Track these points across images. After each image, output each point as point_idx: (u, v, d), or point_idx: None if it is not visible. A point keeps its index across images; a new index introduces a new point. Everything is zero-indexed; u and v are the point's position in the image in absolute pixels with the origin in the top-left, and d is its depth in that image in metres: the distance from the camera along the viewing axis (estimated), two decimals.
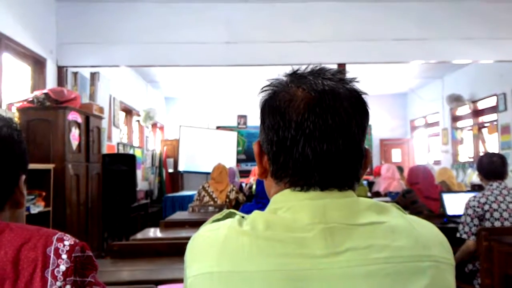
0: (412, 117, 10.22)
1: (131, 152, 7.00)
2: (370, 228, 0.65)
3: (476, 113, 7.52)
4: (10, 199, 0.88)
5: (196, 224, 3.44)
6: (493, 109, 6.91)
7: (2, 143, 0.86)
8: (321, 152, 0.67)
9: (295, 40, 4.99)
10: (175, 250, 2.31)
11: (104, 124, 5.39)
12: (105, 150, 5.58)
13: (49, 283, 0.75)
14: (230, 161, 8.57)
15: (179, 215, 4.21)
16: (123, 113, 7.39)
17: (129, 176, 5.43)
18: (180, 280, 1.72)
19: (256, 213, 0.71)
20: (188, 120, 9.68)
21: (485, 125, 7.31)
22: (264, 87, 0.77)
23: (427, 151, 9.58)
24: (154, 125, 9.10)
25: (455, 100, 7.38)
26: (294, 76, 0.75)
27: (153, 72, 7.77)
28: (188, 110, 10.04)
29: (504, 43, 5.11)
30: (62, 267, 0.78)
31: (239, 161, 9.62)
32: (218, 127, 9.92)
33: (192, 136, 8.98)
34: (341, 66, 4.91)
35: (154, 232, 3.22)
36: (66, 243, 0.81)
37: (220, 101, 9.99)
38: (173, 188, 9.03)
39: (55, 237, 0.81)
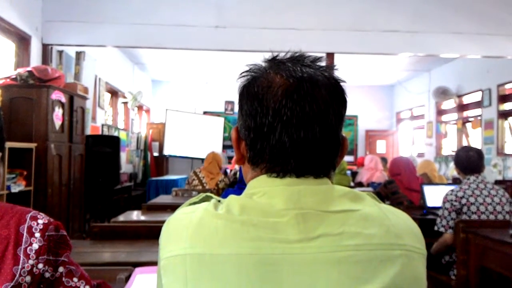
0: (398, 109, 10.30)
1: (115, 134, 6.93)
2: (343, 215, 0.65)
3: (461, 107, 7.61)
4: None
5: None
6: (478, 104, 7.00)
7: None
8: (298, 139, 0.67)
9: (285, 27, 4.97)
10: (155, 233, 2.31)
11: (89, 104, 5.32)
12: (89, 131, 5.52)
13: (21, 261, 0.75)
14: (216, 147, 8.56)
15: (162, 199, 4.20)
16: (109, 95, 7.30)
17: (112, 158, 5.38)
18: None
19: (231, 197, 0.71)
20: (175, 104, 9.61)
21: (469, 119, 7.41)
22: (243, 72, 0.76)
23: (412, 144, 9.69)
24: (140, 108, 9.02)
25: (442, 93, 7.45)
26: (273, 62, 0.74)
27: (140, 53, 7.67)
28: (175, 94, 9.96)
29: (491, 39, 5.16)
30: (35, 246, 0.77)
31: (225, 147, 9.61)
32: (205, 112, 9.88)
33: (179, 120, 8.93)
34: (330, 56, 4.91)
35: (136, 215, 3.21)
36: (40, 221, 0.80)
37: (207, 86, 9.93)
38: (157, 172, 8.99)
39: (29, 215, 0.80)
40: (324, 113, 0.68)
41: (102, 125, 6.54)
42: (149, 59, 8.12)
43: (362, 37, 5.07)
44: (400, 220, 0.69)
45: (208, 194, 0.79)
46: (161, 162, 9.21)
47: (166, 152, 8.81)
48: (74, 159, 4.46)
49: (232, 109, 10.08)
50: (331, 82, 0.71)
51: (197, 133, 9.03)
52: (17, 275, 0.73)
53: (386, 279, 0.62)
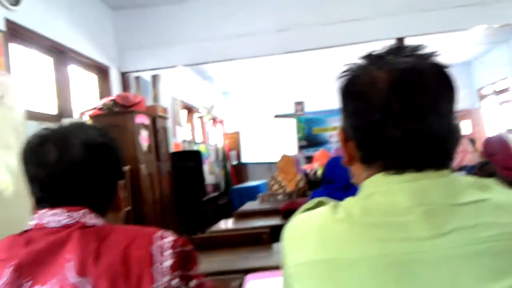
0: (479, 85, 9.65)
1: (195, 148, 7.20)
2: (474, 206, 0.63)
3: None
4: (111, 204, 0.94)
5: (267, 214, 3.50)
6: None
7: (99, 151, 0.91)
8: (411, 132, 0.65)
9: (348, 19, 4.86)
10: (253, 240, 2.37)
11: (168, 123, 5.58)
12: (172, 149, 5.79)
13: (157, 279, 0.79)
14: (291, 149, 8.57)
15: (249, 206, 4.29)
16: (185, 111, 7.60)
17: (197, 171, 5.60)
18: (265, 268, 1.76)
19: (349, 200, 0.70)
20: (246, 111, 9.78)
21: None
22: (342, 73, 0.75)
23: (499, 120, 9.03)
24: (214, 120, 9.29)
25: None
26: (372, 57, 0.73)
27: (208, 68, 7.90)
28: (245, 102, 10.13)
29: None
30: (167, 263, 0.81)
31: (300, 148, 9.59)
32: (276, 116, 9.93)
33: (252, 127, 9.08)
34: (400, 41, 4.73)
35: (228, 224, 3.31)
36: (168, 239, 0.84)
37: (275, 89, 9.98)
38: (238, 180, 9.19)
39: (157, 235, 0.85)
40: (435, 102, 0.66)
41: (183, 141, 6.82)
42: (216, 72, 8.35)
43: (433, 16, 4.83)
44: None
45: (321, 199, 0.80)
46: (240, 170, 9.41)
47: (243, 159, 8.99)
48: (163, 176, 4.69)
49: (302, 109, 10.04)
50: (436, 69, 0.69)
51: (271, 138, 9.11)
52: None
53: None
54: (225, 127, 10.08)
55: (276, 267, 1.85)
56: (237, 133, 9.17)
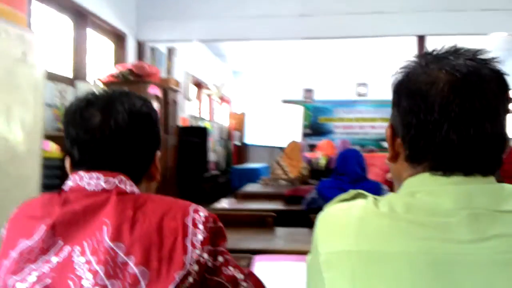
0: None
1: (201, 124, 7.20)
2: None
3: None
4: (146, 174, 0.95)
5: (270, 197, 3.53)
6: None
7: (143, 121, 0.92)
8: (467, 136, 0.66)
9: (372, 11, 4.82)
10: (256, 222, 2.40)
11: (179, 97, 5.58)
12: (179, 123, 5.79)
13: (189, 251, 0.80)
14: (295, 135, 8.57)
15: (251, 187, 4.32)
16: (194, 87, 7.58)
17: (201, 148, 5.61)
18: (270, 251, 1.79)
19: (392, 195, 0.71)
20: (254, 93, 9.74)
21: None
22: (399, 69, 0.75)
23: None
24: (221, 99, 9.27)
25: None
26: (433, 56, 0.72)
27: (221, 46, 7.85)
28: (254, 83, 10.07)
29: None
30: (200, 236, 0.82)
31: (304, 135, 9.58)
32: (284, 101, 9.90)
33: (258, 109, 9.05)
34: (421, 39, 4.70)
35: (231, 203, 3.33)
36: (202, 214, 0.85)
37: (286, 74, 9.92)
38: (238, 160, 9.22)
39: (192, 208, 0.85)
40: (494, 109, 0.66)
41: (190, 116, 6.82)
42: (229, 50, 8.29)
43: (454, 17, 4.79)
44: None
45: (360, 191, 0.80)
46: (242, 151, 9.43)
47: (246, 141, 8.99)
48: (168, 149, 4.71)
49: (311, 97, 10.01)
50: (497, 75, 0.69)
51: (276, 122, 9.09)
52: (187, 264, 0.78)
53: None
54: (232, 106, 10.06)
55: (281, 252, 1.88)
56: (243, 114, 9.16)
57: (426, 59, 0.72)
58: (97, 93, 0.92)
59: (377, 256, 0.64)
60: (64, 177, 0.94)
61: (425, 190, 0.68)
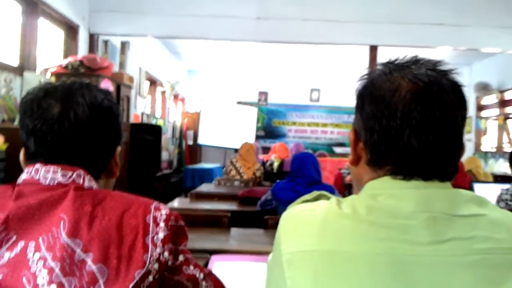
0: None
1: (154, 122, 7.07)
2: (472, 219, 0.67)
3: (503, 103, 7.40)
4: (106, 169, 0.92)
5: (224, 198, 3.52)
6: None
7: (104, 114, 0.88)
8: (427, 142, 0.68)
9: (327, 19, 4.93)
10: (213, 222, 2.39)
11: (131, 93, 5.44)
12: (132, 120, 5.65)
13: (150, 249, 0.78)
14: (249, 137, 8.60)
15: (205, 187, 4.28)
16: (147, 83, 7.43)
17: (154, 146, 5.50)
18: (226, 251, 1.78)
19: (354, 197, 0.73)
20: (209, 93, 9.69)
21: (511, 116, 7.21)
22: (363, 75, 0.77)
23: None
24: (175, 97, 9.14)
25: (483, 88, 7.27)
26: (395, 65, 0.75)
27: (177, 44, 7.75)
28: (209, 83, 10.02)
29: None
30: (161, 235, 0.80)
31: (257, 137, 9.64)
32: (238, 102, 9.91)
33: (213, 109, 9.01)
34: (373, 49, 4.86)
35: (185, 203, 3.29)
36: (163, 212, 0.83)
37: (241, 76, 9.95)
38: (191, 160, 9.12)
39: (153, 206, 0.83)
40: (452, 117, 0.70)
41: (142, 114, 6.68)
42: (185, 49, 8.20)
43: (405, 30, 4.99)
44: None
45: (322, 192, 0.82)
46: (195, 151, 9.34)
47: (200, 141, 8.92)
48: (120, 146, 4.57)
49: (265, 100, 10.09)
50: (455, 86, 0.72)
51: (230, 123, 9.09)
52: (147, 263, 0.76)
53: None
54: (186, 105, 9.94)
55: (236, 251, 1.88)
56: (197, 114, 9.08)
57: (390, 67, 0.75)
58: (54, 83, 0.88)
59: (339, 256, 0.65)
60: (9, 169, 0.89)
61: (386, 193, 0.70)
